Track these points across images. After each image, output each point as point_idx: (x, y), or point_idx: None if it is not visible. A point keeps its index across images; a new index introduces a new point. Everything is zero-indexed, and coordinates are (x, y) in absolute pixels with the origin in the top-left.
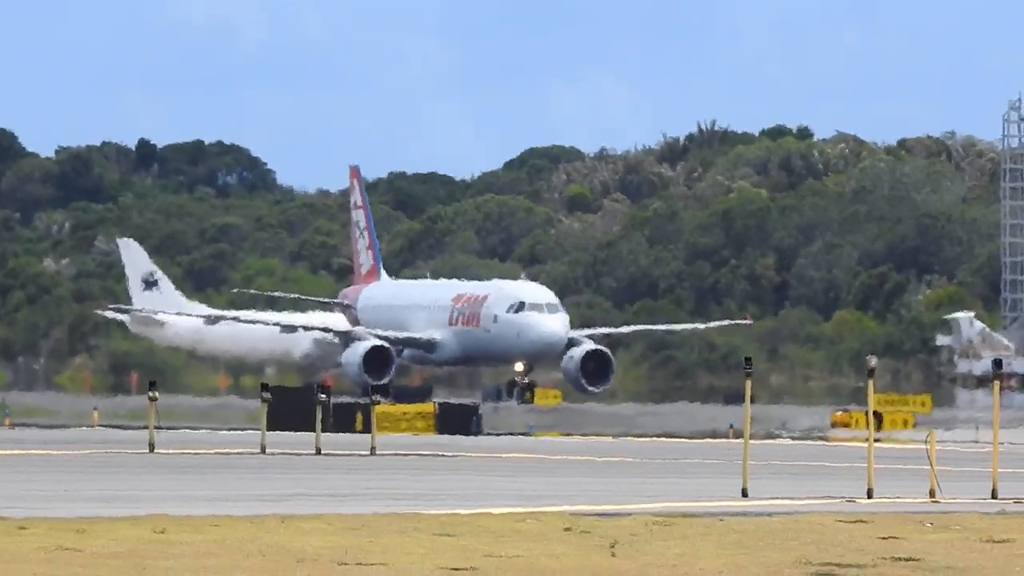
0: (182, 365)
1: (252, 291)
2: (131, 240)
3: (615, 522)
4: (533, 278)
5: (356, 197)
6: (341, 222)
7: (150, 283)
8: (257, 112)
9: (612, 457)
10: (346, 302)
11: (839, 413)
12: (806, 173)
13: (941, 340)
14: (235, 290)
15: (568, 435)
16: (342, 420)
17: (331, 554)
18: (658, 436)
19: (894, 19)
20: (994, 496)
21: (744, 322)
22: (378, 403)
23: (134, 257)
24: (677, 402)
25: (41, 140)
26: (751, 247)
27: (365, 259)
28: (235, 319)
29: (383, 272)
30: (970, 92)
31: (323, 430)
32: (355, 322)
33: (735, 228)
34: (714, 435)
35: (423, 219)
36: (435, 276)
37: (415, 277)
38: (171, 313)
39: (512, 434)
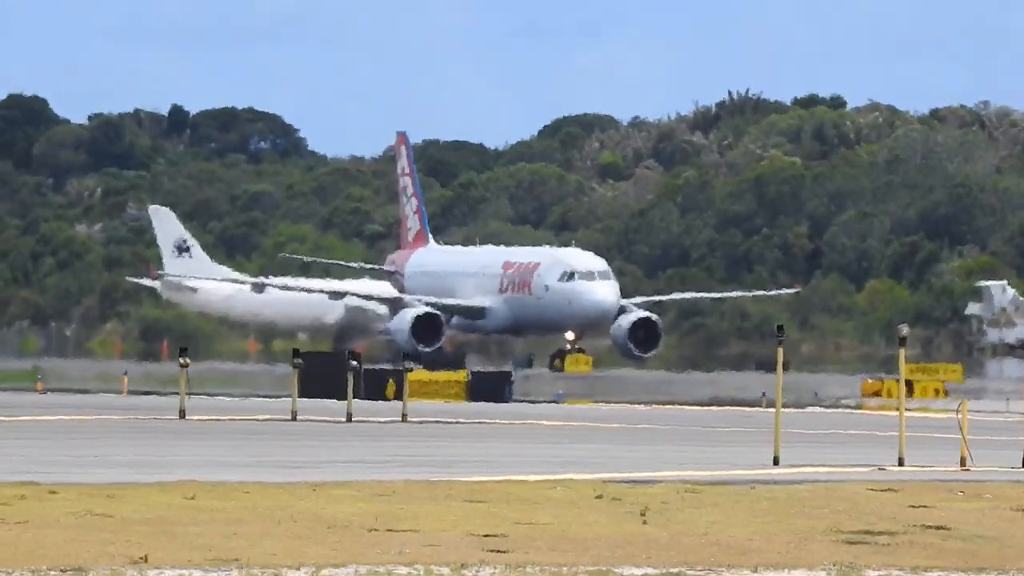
0: (213, 332)
1: (300, 257)
2: (163, 207)
3: (646, 490)
4: (564, 246)
5: (403, 163)
6: (373, 188)
7: (182, 249)
8: (289, 79)
9: (643, 425)
10: (392, 268)
11: (870, 382)
12: (839, 142)
13: (971, 309)
14: (281, 255)
15: (599, 403)
16: (373, 387)
17: (361, 521)
18: (689, 404)
19: None
20: None
21: (792, 291)
22: (410, 370)
23: (166, 224)
24: (709, 371)
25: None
26: (783, 215)
27: (412, 224)
28: (284, 287)
29: (431, 238)
30: (1005, 62)
31: (354, 397)
32: (401, 288)
33: (767, 196)
34: (746, 403)
35: (455, 186)
36: (466, 244)
37: (447, 244)
38: (218, 280)
39: (543, 402)
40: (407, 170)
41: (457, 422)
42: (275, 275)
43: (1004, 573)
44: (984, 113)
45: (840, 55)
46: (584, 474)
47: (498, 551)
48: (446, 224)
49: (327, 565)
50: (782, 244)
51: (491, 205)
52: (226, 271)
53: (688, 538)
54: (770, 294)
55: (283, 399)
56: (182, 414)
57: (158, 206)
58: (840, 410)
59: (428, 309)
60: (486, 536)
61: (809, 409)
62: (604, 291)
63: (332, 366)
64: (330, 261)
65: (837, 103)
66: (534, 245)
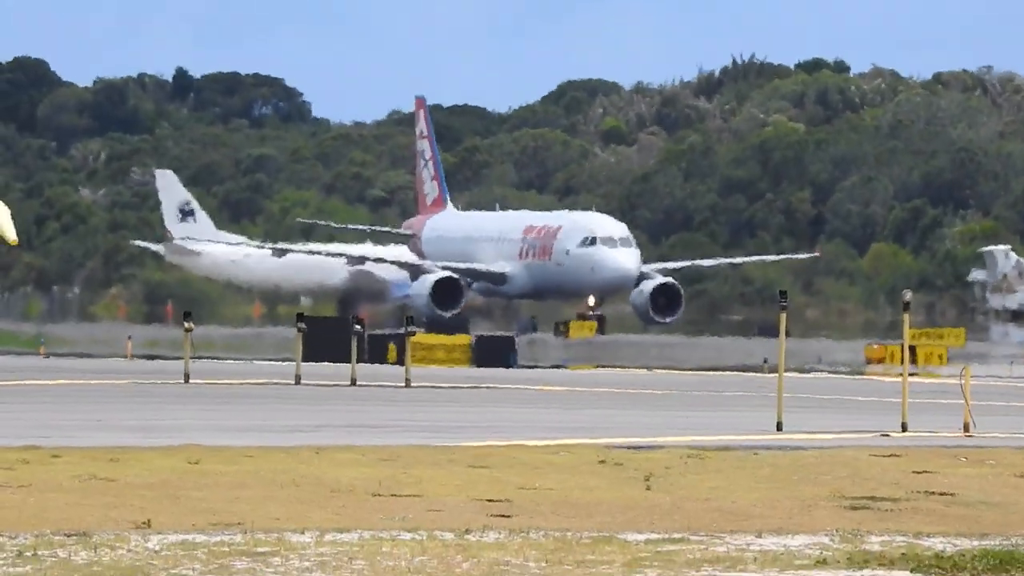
0: (217, 296)
1: (316, 221)
2: (168, 171)
3: (649, 455)
4: (569, 210)
5: (421, 126)
6: (376, 154)
7: (186, 213)
8: (293, 44)
9: (646, 390)
10: (410, 232)
11: (874, 347)
12: (842, 107)
13: (975, 274)
14: (307, 220)
15: (602, 367)
16: (377, 351)
17: (365, 485)
18: (692, 369)
19: None
20: None
21: (813, 255)
22: (413, 334)
23: (170, 188)
24: (712, 336)
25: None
26: (787, 181)
27: (430, 189)
28: (308, 252)
29: (449, 202)
30: (1008, 27)
31: (358, 361)
32: (419, 253)
33: (771, 161)
34: (749, 369)
35: (459, 152)
36: (468, 209)
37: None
38: (234, 244)
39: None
40: (425, 133)
41: (461, 387)
42: (279, 239)
43: (1007, 539)
44: (987, 78)
45: (844, 20)
46: (587, 439)
47: (502, 516)
48: (450, 189)
49: (331, 530)
50: (785, 209)
51: (495, 170)
52: (226, 235)
53: (691, 503)
54: (793, 257)
55: (287, 363)
56: (186, 378)
57: (164, 170)
58: (844, 376)
59: (448, 274)
60: (489, 501)
61: (813, 375)
62: (625, 257)
63: (336, 331)
64: (349, 226)
65: (841, 68)
66: (537, 210)
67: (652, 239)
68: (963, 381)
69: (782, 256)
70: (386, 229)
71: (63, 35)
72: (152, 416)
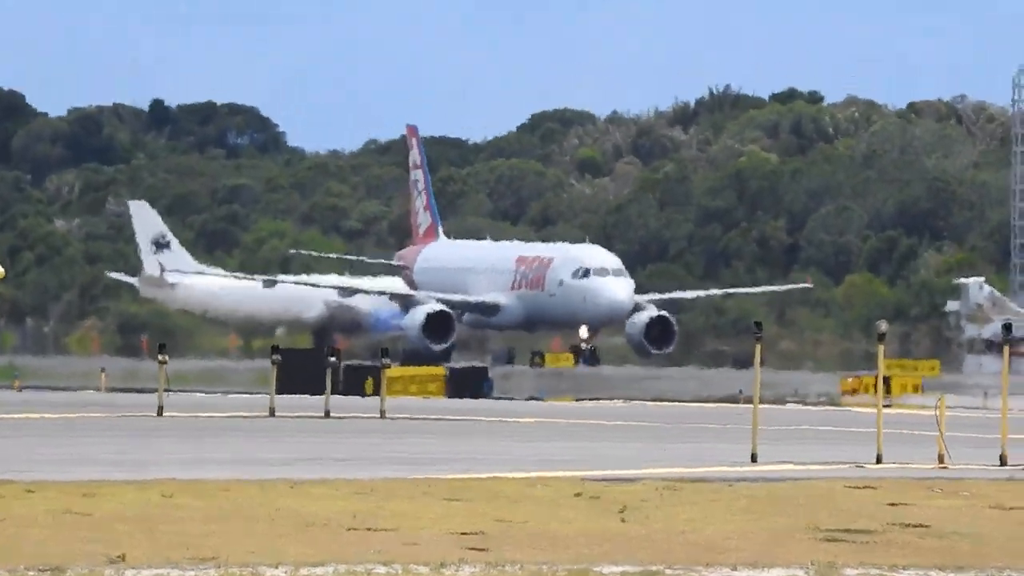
0: (193, 328)
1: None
2: (143, 202)
3: (624, 487)
4: (545, 241)
5: (415, 156)
6: (351, 184)
7: (161, 245)
8: (268, 73)
9: (622, 422)
10: (402, 263)
11: (849, 378)
12: (817, 137)
13: (950, 305)
14: (298, 251)
15: (579, 399)
16: (352, 383)
17: (340, 519)
18: (668, 400)
19: None
20: (1003, 463)
21: (805, 285)
22: (388, 366)
23: (145, 219)
24: (687, 366)
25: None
26: (762, 210)
27: (423, 219)
28: (297, 282)
29: (441, 232)
30: (981, 56)
31: (333, 393)
32: (412, 284)
33: (746, 191)
34: (724, 400)
35: (435, 181)
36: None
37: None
38: (243, 277)
39: (524, 398)
40: (418, 162)
41: (436, 419)
42: (256, 270)
43: (982, 571)
44: (961, 107)
45: (818, 50)
46: (563, 471)
47: (477, 549)
48: None
49: (306, 564)
50: (760, 239)
51: (470, 200)
52: (212, 269)
53: (666, 536)
54: (784, 288)
55: (262, 395)
56: (160, 411)
57: (139, 201)
58: (819, 407)
59: (440, 307)
60: (465, 534)
61: (788, 406)
62: (619, 288)
63: (311, 363)
64: (343, 256)
65: (815, 98)
66: (512, 240)
67: (628, 269)
68: (938, 412)
69: (776, 288)
70: (380, 260)
71: (38, 66)
72: (126, 450)
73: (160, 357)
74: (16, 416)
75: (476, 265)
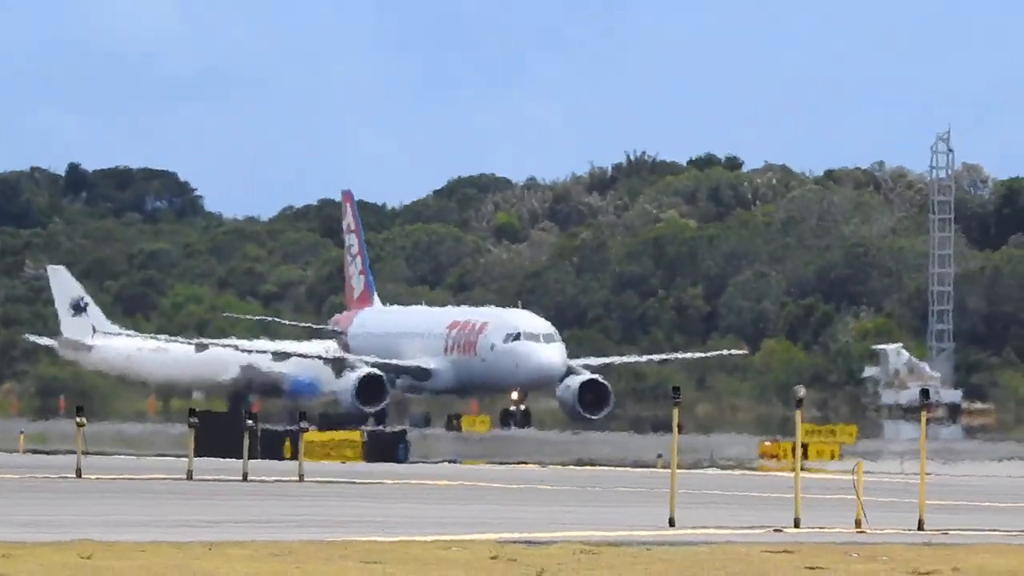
0: (110, 390)
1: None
2: (60, 267)
3: (542, 551)
4: (461, 306)
5: (349, 220)
6: (268, 249)
7: (79, 308)
8: (185, 138)
9: (539, 485)
10: (337, 328)
11: (767, 443)
12: (735, 203)
13: (868, 371)
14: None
15: (495, 463)
16: (270, 447)
17: None
18: (586, 464)
19: (823, 49)
20: (920, 527)
21: (740, 352)
22: (306, 430)
23: (63, 283)
24: (605, 431)
25: None
26: (680, 276)
27: (357, 284)
28: (235, 347)
29: (376, 298)
30: (899, 124)
31: (250, 457)
32: (346, 348)
33: (664, 257)
34: (642, 464)
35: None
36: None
37: (342, 305)
38: (180, 341)
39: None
40: (353, 227)
41: (353, 482)
42: (174, 334)
43: None
44: (879, 174)
45: (735, 116)
46: (480, 534)
47: None
48: (342, 284)
49: None
50: (678, 305)
51: (387, 265)
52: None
53: None
54: (718, 354)
55: (180, 459)
56: (79, 473)
57: (56, 266)
58: (737, 471)
59: (372, 371)
60: None
61: (706, 470)
62: (550, 353)
63: (229, 426)
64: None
65: (733, 164)
66: (430, 305)
67: None
68: (855, 477)
69: (714, 353)
70: (320, 327)
71: None
72: (44, 511)
73: (78, 419)
74: None
75: (410, 330)
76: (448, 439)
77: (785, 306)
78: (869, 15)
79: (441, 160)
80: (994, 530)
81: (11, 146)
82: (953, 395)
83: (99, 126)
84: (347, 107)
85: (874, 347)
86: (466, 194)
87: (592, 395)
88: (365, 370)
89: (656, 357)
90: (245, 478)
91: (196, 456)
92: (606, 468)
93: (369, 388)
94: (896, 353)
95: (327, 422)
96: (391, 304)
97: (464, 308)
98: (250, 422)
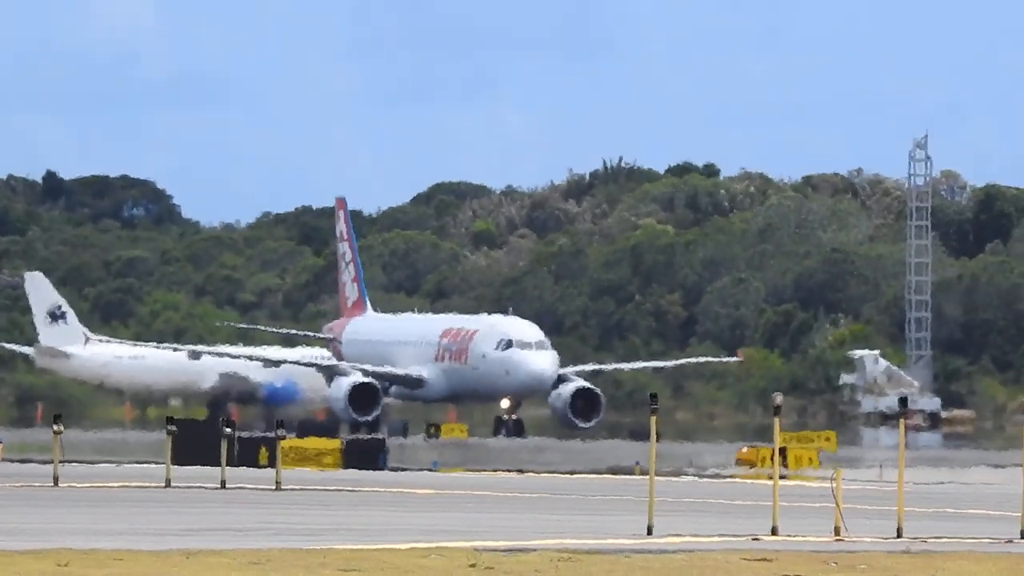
0: (88, 398)
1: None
2: (38, 273)
3: (520, 558)
4: (440, 313)
5: (342, 228)
6: (246, 256)
7: (56, 316)
8: (163, 145)
9: (518, 493)
10: (331, 336)
11: (745, 450)
12: (712, 210)
13: (845, 378)
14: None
15: (474, 471)
16: (247, 454)
17: None
18: (564, 472)
19: (800, 56)
20: (899, 535)
21: (735, 359)
22: (283, 437)
23: (40, 290)
24: (584, 439)
25: None
26: (657, 283)
27: (351, 292)
28: (227, 355)
29: (369, 305)
30: (876, 130)
31: (228, 464)
32: (339, 356)
33: (641, 264)
34: (620, 472)
35: (328, 254)
36: (338, 312)
37: (321, 313)
38: (167, 348)
39: (418, 469)
40: (346, 235)
41: (331, 490)
42: (152, 340)
43: None
44: (857, 181)
45: (713, 123)
46: (458, 542)
47: None
48: (319, 292)
49: None
50: (656, 312)
51: (365, 272)
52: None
53: None
54: (713, 360)
55: (158, 466)
56: (56, 481)
57: (34, 272)
58: (715, 479)
59: (364, 378)
60: None
61: (684, 478)
62: (541, 360)
63: (206, 433)
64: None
65: (710, 171)
66: (408, 312)
67: None
68: (834, 485)
69: (704, 359)
70: (314, 335)
71: None
72: (22, 519)
73: (55, 427)
74: None
75: (402, 338)
76: (426, 447)
77: (763, 313)
78: (846, 22)
79: (419, 167)
80: (972, 537)
81: None
82: (932, 403)
83: (76, 133)
84: (325, 114)
85: (851, 354)
86: (444, 201)
87: (584, 402)
88: (357, 378)
89: (651, 364)
90: (223, 486)
91: (174, 464)
92: (583, 476)
93: (362, 396)
94: (874, 360)
95: (306, 429)
96: (382, 311)
97: (457, 316)
98: (228, 429)
